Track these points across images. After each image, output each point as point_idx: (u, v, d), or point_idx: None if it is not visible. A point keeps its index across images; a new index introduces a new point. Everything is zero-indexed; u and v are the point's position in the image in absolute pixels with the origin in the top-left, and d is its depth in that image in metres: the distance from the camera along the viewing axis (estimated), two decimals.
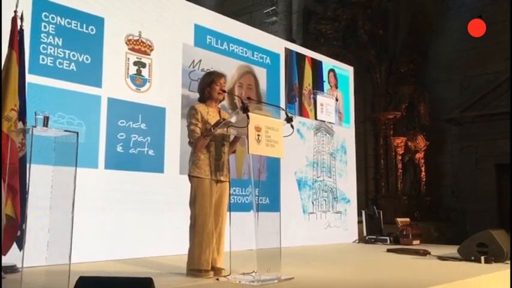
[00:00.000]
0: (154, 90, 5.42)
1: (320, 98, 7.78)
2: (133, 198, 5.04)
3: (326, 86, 8.01)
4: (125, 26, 5.24)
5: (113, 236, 4.80)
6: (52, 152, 3.24)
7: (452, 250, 5.49)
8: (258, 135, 3.53)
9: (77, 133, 3.18)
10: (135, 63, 5.29)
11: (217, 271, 3.74)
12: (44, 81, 4.52)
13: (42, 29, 4.59)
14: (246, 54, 6.64)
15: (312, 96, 7.65)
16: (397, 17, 12.81)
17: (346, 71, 8.59)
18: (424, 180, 12.07)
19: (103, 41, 5.03)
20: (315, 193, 7.45)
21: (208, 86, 3.93)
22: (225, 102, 5.81)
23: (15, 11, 3.77)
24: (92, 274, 2.44)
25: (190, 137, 3.83)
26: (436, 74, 12.35)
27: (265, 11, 13.36)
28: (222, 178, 3.85)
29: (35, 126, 3.04)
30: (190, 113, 3.86)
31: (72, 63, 4.77)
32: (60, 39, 4.70)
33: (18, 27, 3.78)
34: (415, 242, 7.10)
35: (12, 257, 3.43)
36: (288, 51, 7.40)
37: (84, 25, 4.90)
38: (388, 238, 7.35)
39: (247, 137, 3.47)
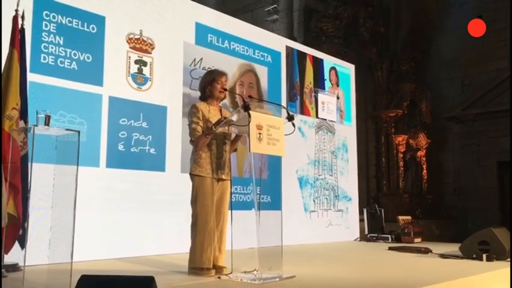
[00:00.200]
0: (156, 89, 5.42)
1: (321, 96, 7.78)
2: (135, 196, 5.05)
3: (327, 84, 8.01)
4: (126, 24, 5.24)
5: (114, 235, 4.81)
6: (53, 150, 3.25)
7: (453, 248, 5.49)
8: (260, 133, 3.53)
9: (79, 132, 3.18)
10: (136, 62, 5.29)
11: (218, 269, 3.74)
12: (45, 80, 4.53)
13: (43, 27, 4.59)
14: (247, 52, 6.64)
15: (313, 94, 7.65)
16: (398, 14, 12.79)
17: (348, 69, 8.58)
18: (425, 178, 12.06)
19: (104, 40, 5.03)
20: (317, 191, 7.45)
21: (209, 84, 3.92)
22: (226, 101, 5.81)
23: (16, 10, 3.77)
24: (94, 273, 2.44)
25: (191, 136, 3.83)
26: (437, 72, 12.33)
27: (266, 9, 13.33)
28: (223, 176, 3.85)
29: (37, 125, 3.04)
30: (191, 112, 3.86)
31: (74, 62, 4.77)
32: (61, 38, 4.70)
33: (19, 26, 3.78)
34: (416, 240, 7.10)
35: (14, 255, 3.44)
36: (289, 50, 7.40)
37: (85, 24, 4.90)
38: (389, 236, 7.36)
39: (249, 136, 3.47)
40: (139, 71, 5.30)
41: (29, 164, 3.17)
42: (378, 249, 6.28)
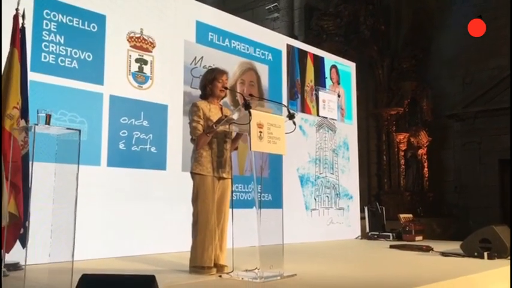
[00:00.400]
0: (156, 88, 5.42)
1: (322, 95, 7.77)
2: (136, 195, 5.05)
3: (328, 82, 8.00)
4: (127, 23, 5.23)
5: (115, 234, 4.81)
6: (54, 149, 3.24)
7: (455, 246, 5.48)
8: (260, 132, 3.53)
9: (79, 131, 3.18)
10: (136, 61, 5.29)
11: (219, 268, 3.74)
12: (46, 79, 4.53)
13: (44, 26, 4.59)
14: (247, 50, 6.64)
15: (314, 92, 7.64)
16: (399, 12, 12.77)
17: (348, 67, 8.57)
18: (426, 176, 12.06)
19: (105, 39, 5.03)
20: (318, 189, 7.45)
21: (210, 83, 3.92)
22: (227, 99, 5.80)
23: (17, 9, 3.77)
24: (95, 271, 2.44)
25: (192, 134, 3.83)
26: (438, 70, 12.32)
27: (266, 8, 13.34)
28: (224, 175, 3.85)
29: (37, 124, 3.04)
30: (192, 110, 3.86)
31: (74, 61, 4.77)
32: (62, 36, 4.70)
33: (20, 25, 3.77)
34: (417, 238, 7.09)
35: (15, 254, 3.44)
36: (290, 48, 7.39)
37: (86, 23, 4.90)
38: (390, 234, 7.35)
39: (249, 134, 3.47)
40: (140, 69, 5.30)
41: (30, 163, 3.16)
42: (379, 248, 6.28)
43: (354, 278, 3.75)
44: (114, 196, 4.88)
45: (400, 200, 11.53)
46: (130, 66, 5.22)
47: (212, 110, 3.88)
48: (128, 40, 5.23)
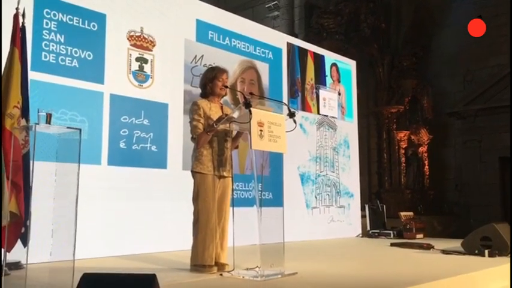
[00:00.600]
0: (157, 86, 5.42)
1: (323, 93, 7.77)
2: (137, 194, 5.05)
3: (328, 80, 8.00)
4: (127, 22, 5.23)
5: (116, 232, 4.81)
6: (55, 148, 3.25)
7: (455, 244, 5.48)
8: (261, 130, 3.53)
9: (80, 130, 3.18)
10: (137, 59, 5.29)
11: (220, 266, 3.74)
12: (46, 78, 4.53)
13: (44, 25, 4.59)
14: (248, 49, 6.63)
15: (314, 90, 7.64)
16: (399, 10, 12.76)
17: (349, 65, 8.56)
18: (427, 174, 12.05)
19: (105, 38, 5.03)
20: (318, 188, 7.45)
21: (210, 81, 3.92)
22: (228, 98, 5.80)
23: (17, 8, 3.76)
24: (96, 270, 2.44)
25: (192, 133, 3.83)
26: (439, 68, 12.31)
27: (267, 6, 13.32)
28: (224, 174, 3.85)
29: (38, 123, 3.04)
30: (192, 109, 3.86)
31: (75, 60, 4.77)
32: (62, 36, 4.70)
33: (20, 25, 3.77)
34: (418, 236, 7.10)
35: (16, 253, 3.44)
36: (290, 46, 7.39)
37: (86, 21, 4.90)
38: (391, 232, 7.36)
39: (250, 132, 3.47)
40: (140, 68, 5.30)
41: (31, 162, 3.17)
42: (379, 246, 6.28)
43: (354, 276, 3.75)
44: (115, 195, 4.88)
45: (401, 198, 11.53)
46: (130, 65, 5.22)
47: (212, 109, 3.88)
48: (128, 39, 5.23)
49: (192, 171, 3.84)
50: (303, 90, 7.45)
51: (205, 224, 3.70)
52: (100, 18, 5.01)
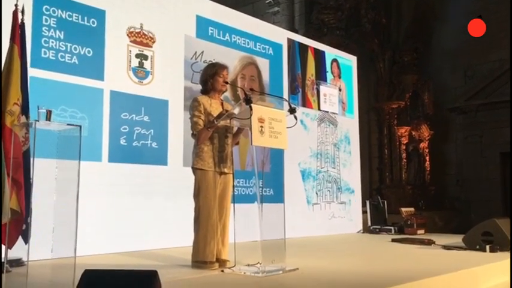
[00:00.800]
0: (157, 83, 5.41)
1: (323, 89, 7.76)
2: (137, 191, 5.05)
3: (329, 76, 7.98)
4: (126, 18, 5.22)
5: (117, 229, 4.81)
6: (55, 145, 3.24)
7: (457, 239, 5.48)
8: (261, 126, 3.52)
9: (80, 126, 3.17)
10: (137, 56, 5.27)
11: (222, 263, 3.75)
12: (46, 75, 4.52)
13: (44, 22, 4.58)
14: (248, 45, 6.62)
15: (315, 86, 7.63)
16: (400, 5, 12.72)
17: (349, 60, 8.55)
18: (428, 169, 12.05)
19: (104, 34, 5.01)
20: (319, 184, 7.45)
21: (211, 77, 3.91)
22: (228, 94, 5.80)
23: (16, 5, 3.76)
24: (97, 267, 2.44)
25: (193, 129, 3.82)
26: (439, 63, 12.28)
27: (267, 1, 13.28)
28: (225, 170, 3.85)
29: (38, 120, 3.03)
30: (193, 105, 3.85)
31: (74, 57, 4.76)
32: (62, 32, 4.69)
33: (19, 21, 3.76)
34: (419, 232, 7.10)
35: (18, 250, 3.44)
36: (291, 42, 7.37)
37: (86, 18, 4.88)
38: (392, 228, 7.36)
39: (251, 129, 3.46)
40: (140, 64, 5.29)
41: (31, 159, 3.16)
42: (381, 241, 6.28)
43: (355, 272, 3.75)
44: (116, 192, 4.88)
45: (402, 194, 11.52)
46: (130, 61, 5.21)
47: (213, 105, 3.87)
48: (127, 35, 5.22)
49: (192, 168, 3.84)
50: (303, 86, 7.43)
51: (206, 221, 3.70)
52: (99, 15, 4.99)
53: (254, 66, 6.66)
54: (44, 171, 3.10)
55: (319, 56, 7.85)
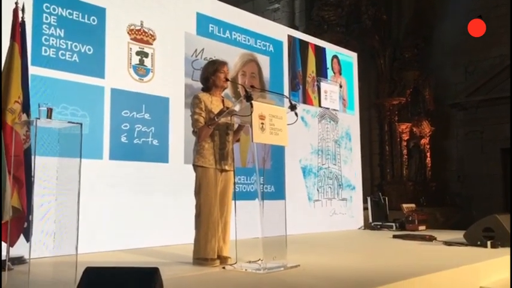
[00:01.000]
0: (158, 80, 5.41)
1: (324, 85, 7.75)
2: (138, 188, 5.06)
3: (330, 72, 7.97)
4: (127, 16, 5.21)
5: (118, 227, 4.82)
6: (56, 143, 3.25)
7: (458, 235, 5.49)
8: (262, 123, 3.52)
9: (81, 124, 3.17)
10: (137, 53, 5.27)
11: (223, 260, 3.75)
12: (46, 73, 4.52)
13: (44, 20, 4.57)
14: (248, 42, 6.61)
15: (315, 83, 7.62)
16: (400, 1, 12.68)
17: (350, 57, 8.54)
18: (429, 165, 12.04)
19: (105, 32, 5.01)
20: (320, 180, 7.45)
21: (212, 74, 3.91)
22: (229, 91, 5.80)
23: (16, 3, 3.75)
24: (99, 264, 2.45)
25: (194, 127, 3.82)
26: (440, 59, 12.25)
27: None
28: (226, 167, 3.85)
29: (39, 118, 3.04)
30: (193, 102, 3.85)
31: (75, 54, 4.76)
32: (62, 30, 4.69)
33: (20, 19, 3.76)
34: (420, 228, 7.11)
35: (19, 248, 3.45)
36: (291, 39, 7.36)
37: (86, 16, 4.88)
38: (393, 224, 7.37)
39: (251, 126, 3.46)
40: (141, 62, 5.29)
41: (32, 157, 3.17)
42: (382, 238, 6.29)
43: (357, 268, 3.75)
44: (117, 189, 4.89)
45: (403, 190, 11.52)
46: (131, 59, 5.21)
47: (214, 102, 3.87)
48: (128, 33, 5.21)
49: (193, 165, 3.84)
50: (304, 83, 7.43)
51: (207, 218, 3.71)
52: (100, 12, 4.99)
53: (255, 63, 6.66)
54: (45, 169, 3.11)
55: (320, 52, 7.84)
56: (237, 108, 3.71)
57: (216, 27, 6.17)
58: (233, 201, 3.89)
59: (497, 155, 11.28)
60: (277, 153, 5.86)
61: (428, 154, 12.06)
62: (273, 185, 5.35)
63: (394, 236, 6.16)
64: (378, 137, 12.28)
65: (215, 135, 3.81)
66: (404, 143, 11.99)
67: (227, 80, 3.95)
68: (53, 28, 4.63)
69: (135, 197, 5.00)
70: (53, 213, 3.17)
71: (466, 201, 11.54)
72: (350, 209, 7.91)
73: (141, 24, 5.33)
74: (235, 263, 3.61)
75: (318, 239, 6.10)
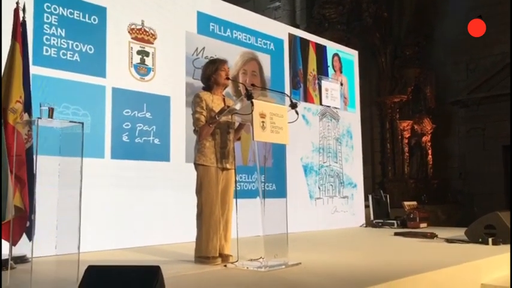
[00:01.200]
0: (159, 79, 5.41)
1: (325, 83, 7.75)
2: (140, 187, 5.07)
3: (330, 71, 7.97)
4: (127, 15, 5.22)
5: (120, 225, 4.84)
6: (58, 142, 3.26)
7: (459, 232, 5.49)
8: (263, 121, 3.52)
9: (82, 123, 3.18)
10: (138, 52, 5.28)
11: (224, 258, 3.76)
12: (48, 73, 4.53)
13: (45, 20, 4.58)
14: (249, 40, 6.61)
15: (316, 81, 7.62)
16: None
17: (351, 55, 8.53)
18: (430, 163, 12.04)
19: (106, 31, 5.02)
20: (322, 178, 7.45)
21: (213, 73, 3.92)
22: (230, 90, 5.80)
23: (17, 3, 3.76)
24: (101, 263, 2.46)
25: (195, 125, 3.83)
26: (442, 57, 12.24)
27: None
28: (227, 166, 3.86)
29: (41, 118, 3.05)
30: (194, 101, 3.86)
31: (76, 54, 4.77)
32: (63, 29, 4.70)
33: (21, 19, 3.77)
34: (422, 225, 7.10)
35: (22, 247, 3.47)
36: (292, 37, 7.36)
37: (87, 15, 4.89)
38: (395, 222, 7.36)
39: (252, 124, 3.47)
40: (142, 61, 5.30)
41: (34, 156, 3.18)
42: (383, 235, 6.29)
43: (358, 266, 3.76)
44: (119, 188, 4.90)
45: (405, 188, 11.53)
46: (132, 58, 5.22)
47: (215, 101, 3.88)
48: (129, 32, 5.22)
49: (195, 164, 3.85)
50: (305, 81, 7.43)
51: (208, 216, 3.72)
52: (100, 12, 4.99)
53: (255, 61, 6.66)
54: (47, 168, 3.12)
55: (321, 50, 7.84)
56: (237, 106, 3.71)
57: (216, 26, 6.17)
58: (234, 200, 3.89)
59: (499, 152, 11.28)
60: (278, 152, 5.86)
61: (429, 151, 12.06)
62: (274, 183, 5.36)
63: (396, 234, 6.16)
64: (379, 134, 12.29)
65: (216, 134, 3.81)
66: (406, 141, 11.99)
67: (228, 78, 3.96)
68: (54, 28, 4.63)
69: (136, 195, 5.01)
70: (55, 212, 3.18)
71: (468, 198, 11.54)
72: (351, 207, 7.91)
73: (142, 23, 5.33)
74: (237, 261, 3.62)
75: (319, 237, 6.10)
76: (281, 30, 7.27)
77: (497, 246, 4.71)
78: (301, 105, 6.89)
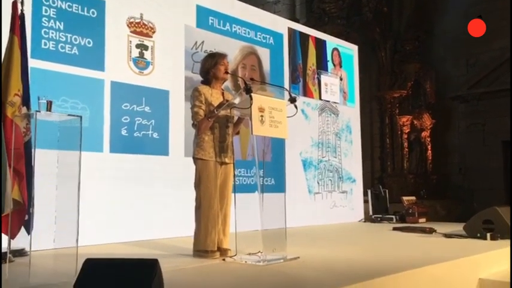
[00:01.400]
0: (157, 73, 5.40)
1: (324, 78, 7.74)
2: (139, 181, 5.07)
3: (330, 65, 7.96)
4: (126, 8, 5.20)
5: (119, 219, 4.84)
6: (56, 136, 3.25)
7: (458, 228, 5.50)
8: (262, 116, 3.52)
9: (81, 117, 3.18)
10: (137, 46, 5.26)
11: (223, 252, 3.77)
12: (46, 66, 4.52)
13: (43, 13, 4.57)
14: (249, 34, 6.59)
15: (316, 76, 7.61)
16: None
17: (351, 49, 8.51)
18: (430, 158, 12.03)
19: (104, 24, 5.01)
20: (321, 173, 7.46)
21: (213, 67, 3.91)
22: (229, 84, 5.79)
23: None
24: (99, 256, 2.46)
25: (194, 119, 3.82)
26: (441, 52, 12.21)
27: None
28: (226, 160, 3.86)
29: (39, 111, 3.04)
30: (193, 95, 3.85)
31: (74, 47, 4.76)
32: (62, 23, 4.68)
33: (19, 12, 3.75)
34: (421, 220, 7.12)
35: (20, 240, 3.47)
36: (292, 31, 7.34)
37: (85, 8, 4.87)
38: (394, 217, 7.38)
39: (251, 118, 3.46)
40: (141, 55, 5.28)
41: (32, 150, 3.17)
42: (382, 230, 6.30)
43: (357, 261, 3.76)
44: (117, 182, 4.90)
45: (404, 183, 11.52)
46: (130, 51, 5.21)
47: (214, 95, 3.87)
48: (128, 25, 5.20)
49: (193, 158, 3.85)
50: (304, 75, 7.42)
51: (207, 210, 3.72)
52: (99, 5, 4.98)
53: (255, 55, 6.64)
54: (46, 161, 3.11)
55: (320, 45, 7.82)
56: (236, 100, 3.70)
57: (216, 20, 6.15)
58: (233, 194, 3.90)
59: (499, 148, 11.26)
60: (277, 146, 5.86)
61: (429, 147, 12.04)
62: (273, 178, 5.35)
63: (394, 229, 6.17)
64: (379, 129, 12.27)
65: (215, 128, 3.81)
66: (405, 136, 11.98)
67: (227, 72, 3.95)
68: (52, 21, 4.62)
69: (135, 189, 5.01)
70: (54, 206, 3.18)
71: (468, 193, 11.54)
72: (350, 202, 7.92)
73: (141, 16, 5.32)
74: (235, 255, 3.63)
75: (318, 232, 6.11)
76: (281, 25, 7.25)
77: (495, 241, 4.72)
78: (301, 100, 6.87)
